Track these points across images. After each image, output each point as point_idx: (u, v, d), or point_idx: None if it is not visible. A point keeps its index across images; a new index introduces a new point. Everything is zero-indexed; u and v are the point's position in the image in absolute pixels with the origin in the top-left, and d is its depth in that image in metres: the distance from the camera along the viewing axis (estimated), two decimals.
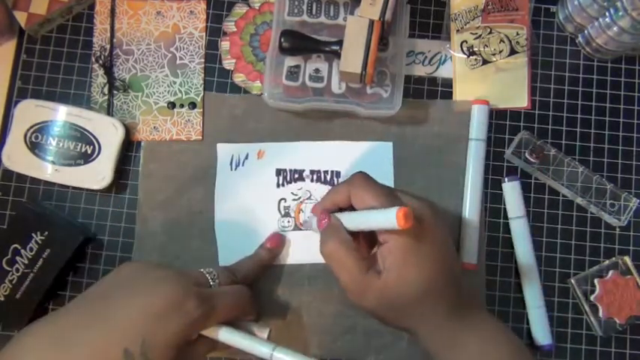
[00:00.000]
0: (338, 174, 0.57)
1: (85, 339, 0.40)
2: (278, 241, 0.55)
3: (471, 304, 0.48)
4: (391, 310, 0.46)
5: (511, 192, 0.56)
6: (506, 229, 0.56)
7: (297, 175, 0.57)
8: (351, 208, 0.48)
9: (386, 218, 0.43)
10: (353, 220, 0.48)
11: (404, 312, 0.45)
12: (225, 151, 0.57)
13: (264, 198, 0.56)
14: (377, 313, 0.46)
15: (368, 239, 0.49)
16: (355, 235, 0.48)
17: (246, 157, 0.57)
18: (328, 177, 0.57)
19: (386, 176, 0.57)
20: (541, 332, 0.54)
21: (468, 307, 0.47)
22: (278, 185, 0.57)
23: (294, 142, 0.57)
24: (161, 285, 0.43)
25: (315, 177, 0.57)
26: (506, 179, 0.56)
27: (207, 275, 0.47)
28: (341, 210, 0.50)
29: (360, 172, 0.49)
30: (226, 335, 0.45)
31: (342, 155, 0.57)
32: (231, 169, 0.57)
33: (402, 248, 0.44)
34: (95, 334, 0.40)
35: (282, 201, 0.56)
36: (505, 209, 0.56)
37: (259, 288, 0.55)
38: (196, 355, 0.45)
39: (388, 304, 0.45)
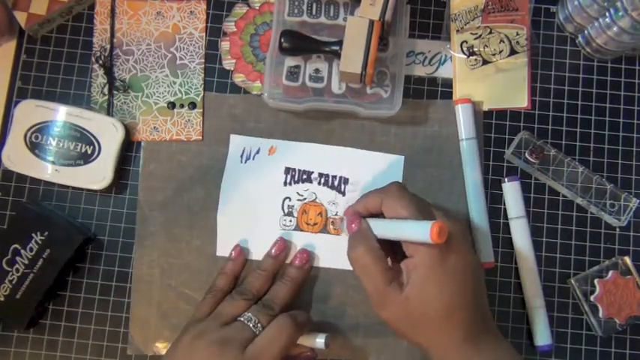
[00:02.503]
0: (346, 180, 0.57)
1: None
2: (283, 246, 0.54)
3: (488, 327, 0.47)
4: (409, 325, 0.45)
5: (511, 192, 0.56)
6: (506, 229, 0.56)
7: (305, 176, 0.57)
8: (382, 215, 0.48)
9: (419, 231, 0.42)
10: (384, 228, 0.48)
11: (421, 329, 0.45)
12: (237, 142, 0.57)
13: (269, 194, 0.56)
14: (394, 325, 0.46)
15: (391, 248, 0.49)
16: (380, 241, 0.48)
17: (258, 152, 0.57)
18: (336, 182, 0.57)
19: None
20: (541, 332, 0.54)
21: (485, 331, 0.46)
22: (285, 183, 0.57)
23: (306, 142, 0.57)
24: None
25: (322, 180, 0.57)
26: (506, 179, 0.56)
27: (248, 324, 0.48)
28: (371, 216, 0.50)
29: (396, 182, 0.50)
30: None
31: (352, 162, 0.57)
32: (241, 162, 0.57)
33: (427, 265, 0.44)
34: None
35: (287, 200, 0.56)
36: (505, 209, 0.56)
37: None
38: None
39: (407, 319, 0.45)
